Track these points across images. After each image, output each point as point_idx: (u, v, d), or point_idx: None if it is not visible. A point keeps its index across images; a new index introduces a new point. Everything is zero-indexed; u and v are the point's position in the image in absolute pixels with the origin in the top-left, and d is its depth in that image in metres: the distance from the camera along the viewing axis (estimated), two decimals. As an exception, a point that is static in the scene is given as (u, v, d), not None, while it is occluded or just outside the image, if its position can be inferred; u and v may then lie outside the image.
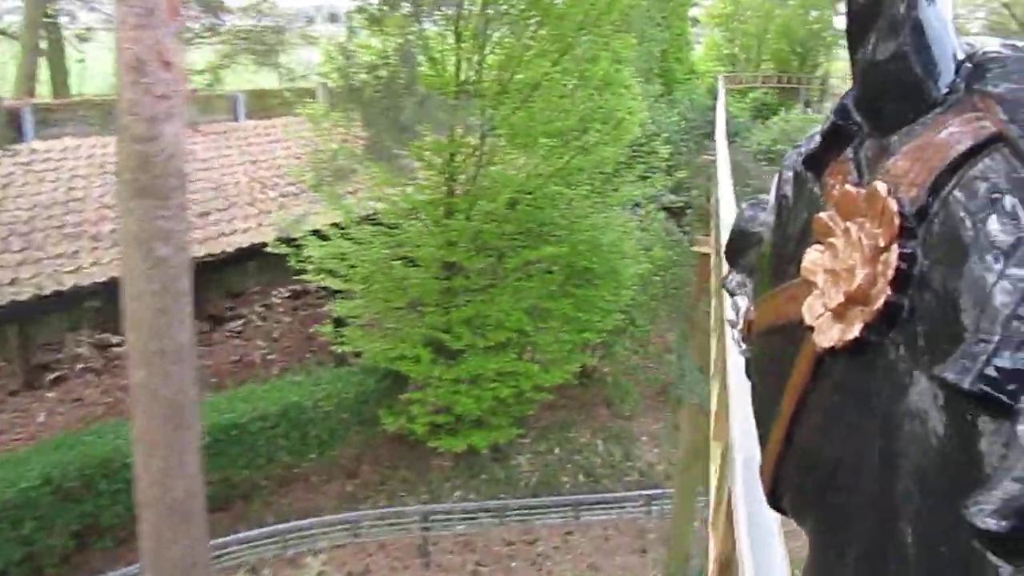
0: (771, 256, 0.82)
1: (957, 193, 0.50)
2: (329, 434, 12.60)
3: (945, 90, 0.55)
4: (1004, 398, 0.42)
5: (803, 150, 0.72)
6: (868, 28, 0.57)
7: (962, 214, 0.49)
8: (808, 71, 41.98)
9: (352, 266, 12.16)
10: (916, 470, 0.49)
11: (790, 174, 0.76)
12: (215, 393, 12.39)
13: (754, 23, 41.08)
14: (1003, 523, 0.39)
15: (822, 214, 0.62)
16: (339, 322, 13.01)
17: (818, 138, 0.68)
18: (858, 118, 0.62)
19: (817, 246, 0.62)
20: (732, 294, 0.98)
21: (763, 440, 0.78)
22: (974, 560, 0.42)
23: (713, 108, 25.34)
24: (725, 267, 1.15)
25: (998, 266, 0.45)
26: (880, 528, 0.54)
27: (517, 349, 12.45)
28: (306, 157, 11.91)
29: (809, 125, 20.65)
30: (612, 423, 14.31)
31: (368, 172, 11.20)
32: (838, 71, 46.44)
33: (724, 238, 1.25)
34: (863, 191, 0.57)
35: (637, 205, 16.07)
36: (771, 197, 0.84)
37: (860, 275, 0.55)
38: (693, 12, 44.77)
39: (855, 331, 0.55)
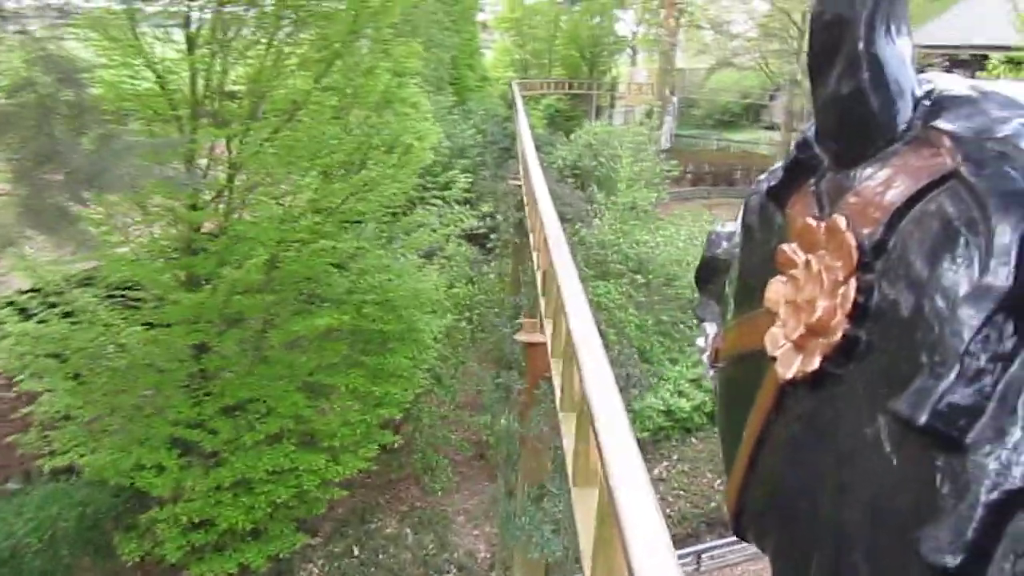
0: (737, 284, 0.85)
1: (913, 229, 0.51)
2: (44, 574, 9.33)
3: (903, 126, 0.57)
4: (955, 433, 0.43)
5: (767, 181, 0.75)
6: (828, 64, 0.58)
7: (917, 250, 0.50)
8: (598, 76, 42.02)
9: (55, 355, 8.94)
10: (871, 501, 0.50)
11: (755, 204, 0.79)
12: None
13: (543, 28, 40.41)
14: (955, 558, 0.40)
15: (784, 246, 0.64)
16: (48, 426, 9.69)
17: (781, 171, 0.71)
18: (819, 152, 0.65)
19: (780, 277, 0.64)
20: (701, 320, 1.01)
21: (728, 465, 0.79)
22: None
23: (510, 119, 23.80)
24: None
25: (951, 302, 0.46)
26: (837, 557, 0.54)
27: (295, 439, 9.79)
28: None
29: (614, 137, 19.88)
30: (422, 504, 12.03)
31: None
32: (624, 76, 47.31)
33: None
34: (824, 224, 0.59)
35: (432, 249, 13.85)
36: (737, 225, 0.89)
37: (820, 307, 0.56)
38: (482, 17, 43.69)
39: (815, 363, 0.57)
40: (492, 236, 16.46)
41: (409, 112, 10.34)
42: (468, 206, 13.59)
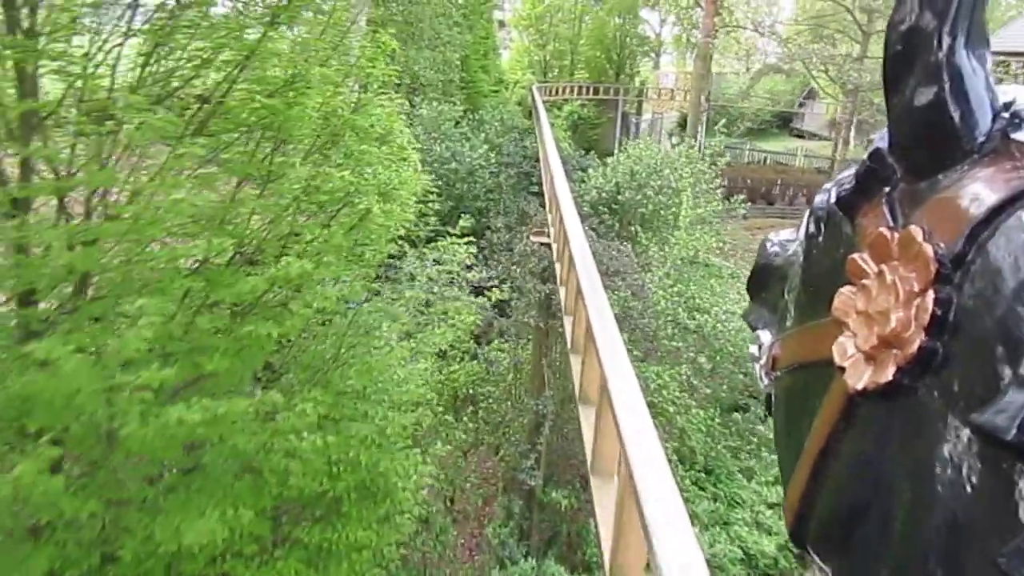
0: (798, 293, 0.84)
1: (995, 242, 0.50)
2: None
3: (982, 138, 0.56)
4: None
5: (835, 190, 0.73)
6: (905, 73, 0.58)
7: (1000, 263, 0.49)
8: (625, 80, 38.28)
9: None
10: (948, 516, 0.49)
11: (822, 213, 0.77)
12: None
13: (565, 27, 36.76)
14: None
15: (856, 255, 0.63)
16: None
17: (852, 180, 0.69)
18: (892, 162, 0.64)
19: (849, 287, 0.63)
20: (754, 328, 0.98)
21: (785, 476, 0.78)
22: None
23: (530, 131, 20.08)
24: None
25: None
26: (909, 572, 0.54)
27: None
28: None
29: (665, 164, 15.95)
30: None
31: None
32: (653, 82, 43.59)
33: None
34: (897, 235, 0.58)
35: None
36: (800, 234, 0.87)
37: (895, 318, 0.55)
38: (498, 15, 40.09)
39: (888, 374, 0.56)
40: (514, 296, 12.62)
41: (369, 156, 6.21)
42: (472, 270, 9.85)
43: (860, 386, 0.58)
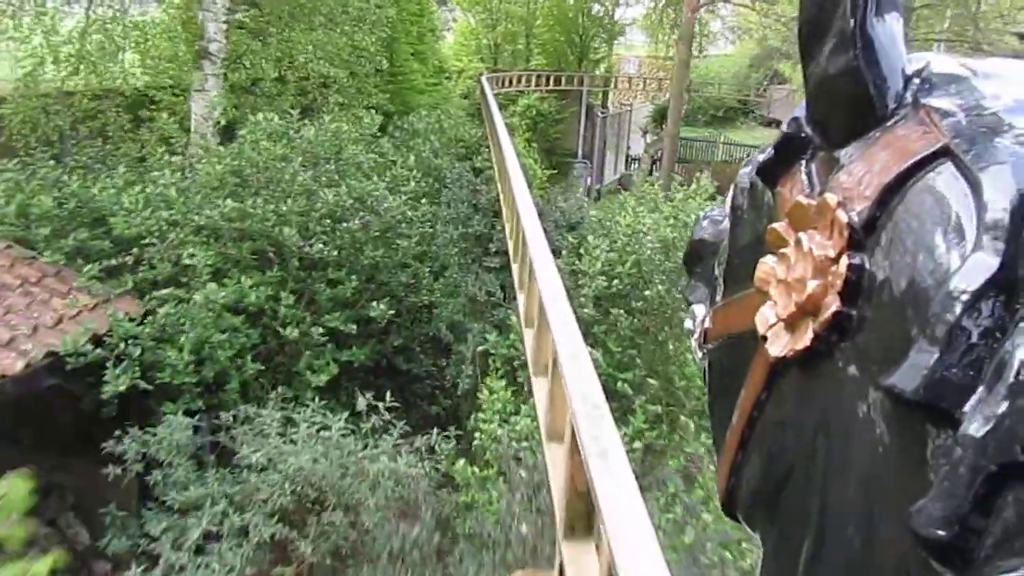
0: (727, 265, 0.85)
1: (904, 206, 0.51)
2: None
3: (894, 104, 0.56)
4: (947, 407, 0.43)
5: (757, 160, 0.74)
6: (819, 42, 0.58)
7: (908, 227, 0.50)
8: (589, 67, 32.53)
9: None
10: (863, 477, 0.50)
11: (745, 184, 0.79)
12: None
13: (519, 5, 30.84)
14: (946, 532, 0.40)
15: (775, 225, 0.63)
16: None
17: (770, 149, 0.71)
18: (809, 130, 0.65)
19: (770, 256, 0.63)
20: (689, 303, 0.99)
21: (718, 447, 0.79)
22: (918, 565, 0.42)
23: (484, 143, 14.29)
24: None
25: (942, 278, 0.45)
26: (830, 534, 0.54)
27: None
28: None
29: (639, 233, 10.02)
30: None
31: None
32: (615, 68, 38.01)
33: None
34: (814, 202, 0.58)
35: None
36: (726, 207, 0.88)
37: (811, 285, 0.56)
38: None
39: (806, 340, 0.56)
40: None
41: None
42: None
43: (780, 353, 0.59)
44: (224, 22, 11.12)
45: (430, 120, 13.88)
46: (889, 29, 0.56)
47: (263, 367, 8.14)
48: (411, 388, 10.16)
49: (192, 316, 7.64)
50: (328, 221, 8.54)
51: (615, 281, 7.27)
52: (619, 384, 6.70)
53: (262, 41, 10.58)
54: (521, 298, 5.37)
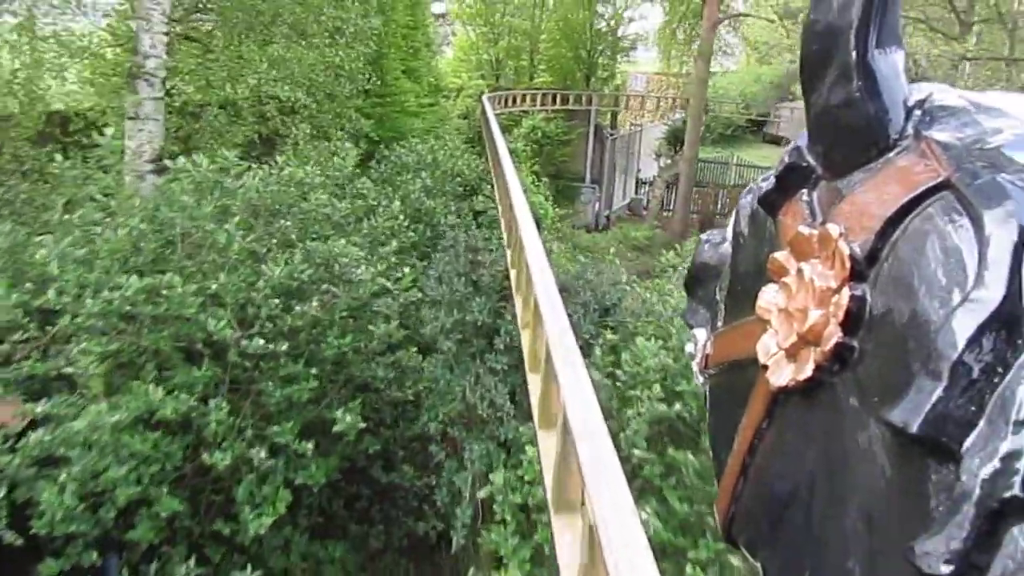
0: (728, 291, 0.86)
1: (905, 239, 0.51)
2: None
3: (896, 136, 0.56)
4: (949, 442, 0.42)
5: (758, 189, 0.74)
6: (821, 73, 0.58)
7: (910, 260, 0.50)
8: (598, 85, 30.42)
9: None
10: (864, 509, 0.50)
11: (747, 211, 0.79)
12: None
13: (523, 18, 28.73)
14: (947, 568, 0.39)
15: (777, 254, 0.63)
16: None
17: (772, 178, 0.70)
18: (811, 160, 0.65)
19: (772, 285, 0.64)
20: (690, 326, 0.99)
21: (719, 473, 0.77)
22: None
23: (485, 178, 12.19)
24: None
25: (944, 312, 0.45)
26: (829, 564, 0.54)
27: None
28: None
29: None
30: None
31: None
32: (625, 86, 35.94)
33: None
34: (816, 232, 0.58)
35: None
36: (728, 232, 0.89)
37: (813, 316, 0.55)
38: (437, 8, 32.00)
39: (807, 371, 0.56)
40: None
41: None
42: None
43: (782, 383, 0.58)
44: (164, 33, 8.90)
45: (421, 152, 11.64)
46: (891, 61, 0.56)
47: (186, 499, 5.93)
48: (392, 498, 7.90)
49: (77, 443, 5.41)
50: (277, 302, 6.27)
51: (677, 405, 5.02)
52: (690, 568, 4.47)
53: (204, 58, 8.36)
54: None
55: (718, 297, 0.89)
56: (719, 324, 0.86)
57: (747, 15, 24.16)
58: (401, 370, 7.05)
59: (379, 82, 14.21)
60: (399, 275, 6.93)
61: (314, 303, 6.26)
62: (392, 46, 14.69)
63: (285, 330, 6.34)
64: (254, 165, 7.01)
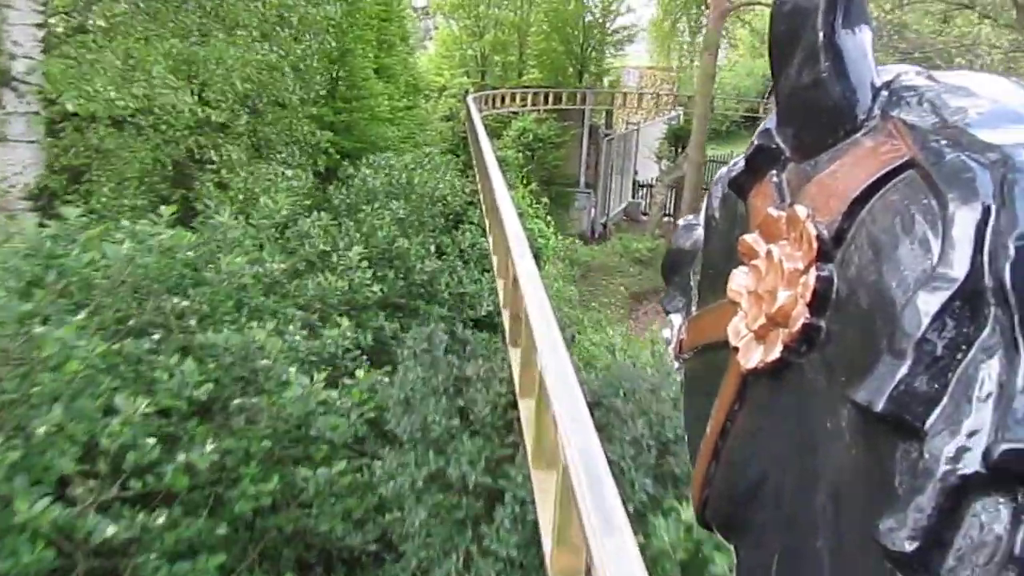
0: (702, 275, 0.84)
1: (871, 218, 0.51)
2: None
3: (863, 116, 0.56)
4: (913, 420, 0.42)
5: (729, 172, 0.71)
6: (789, 54, 0.57)
7: (875, 239, 0.50)
8: (592, 81, 28.06)
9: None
10: (833, 489, 0.50)
11: (719, 194, 0.77)
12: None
13: (512, 7, 26.32)
14: (911, 544, 0.40)
15: (746, 236, 0.62)
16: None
17: (742, 161, 0.68)
18: (780, 142, 0.63)
19: (742, 268, 0.62)
20: (667, 312, 0.98)
21: (692, 457, 0.77)
22: None
23: (472, 202, 9.91)
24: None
25: (908, 291, 0.45)
26: (801, 545, 0.54)
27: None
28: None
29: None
30: None
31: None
32: (617, 83, 33.58)
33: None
34: (784, 214, 0.58)
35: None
36: (701, 217, 0.87)
37: (781, 297, 0.55)
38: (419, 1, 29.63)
39: (776, 352, 0.56)
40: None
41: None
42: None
43: (751, 365, 0.59)
44: (38, 25, 6.47)
45: (394, 173, 9.26)
46: (859, 41, 0.56)
47: None
48: None
49: None
50: (151, 442, 3.91)
51: None
52: None
53: (83, 58, 5.93)
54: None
55: (692, 282, 0.88)
56: (693, 309, 0.85)
57: (757, 2, 21.82)
58: (357, 522, 4.72)
59: (343, 84, 11.78)
60: (350, 383, 4.58)
61: (206, 450, 3.89)
62: (359, 40, 12.24)
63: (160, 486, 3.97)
64: (129, 223, 4.60)
